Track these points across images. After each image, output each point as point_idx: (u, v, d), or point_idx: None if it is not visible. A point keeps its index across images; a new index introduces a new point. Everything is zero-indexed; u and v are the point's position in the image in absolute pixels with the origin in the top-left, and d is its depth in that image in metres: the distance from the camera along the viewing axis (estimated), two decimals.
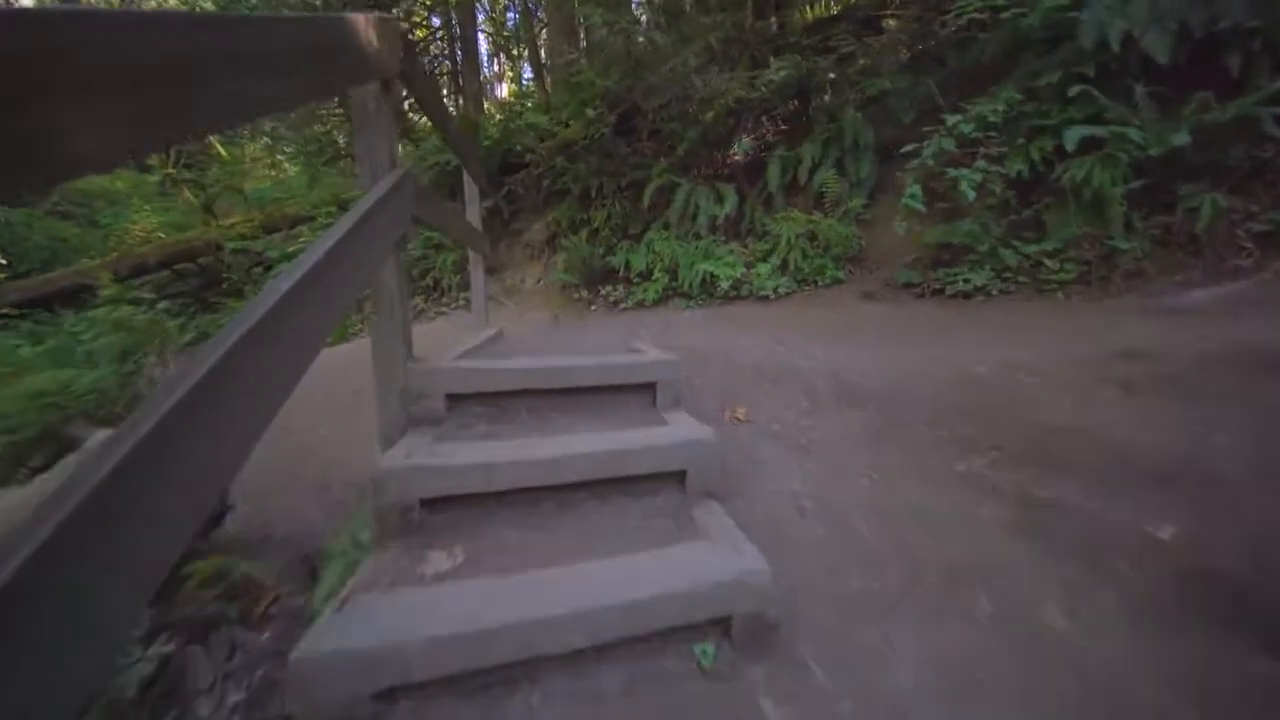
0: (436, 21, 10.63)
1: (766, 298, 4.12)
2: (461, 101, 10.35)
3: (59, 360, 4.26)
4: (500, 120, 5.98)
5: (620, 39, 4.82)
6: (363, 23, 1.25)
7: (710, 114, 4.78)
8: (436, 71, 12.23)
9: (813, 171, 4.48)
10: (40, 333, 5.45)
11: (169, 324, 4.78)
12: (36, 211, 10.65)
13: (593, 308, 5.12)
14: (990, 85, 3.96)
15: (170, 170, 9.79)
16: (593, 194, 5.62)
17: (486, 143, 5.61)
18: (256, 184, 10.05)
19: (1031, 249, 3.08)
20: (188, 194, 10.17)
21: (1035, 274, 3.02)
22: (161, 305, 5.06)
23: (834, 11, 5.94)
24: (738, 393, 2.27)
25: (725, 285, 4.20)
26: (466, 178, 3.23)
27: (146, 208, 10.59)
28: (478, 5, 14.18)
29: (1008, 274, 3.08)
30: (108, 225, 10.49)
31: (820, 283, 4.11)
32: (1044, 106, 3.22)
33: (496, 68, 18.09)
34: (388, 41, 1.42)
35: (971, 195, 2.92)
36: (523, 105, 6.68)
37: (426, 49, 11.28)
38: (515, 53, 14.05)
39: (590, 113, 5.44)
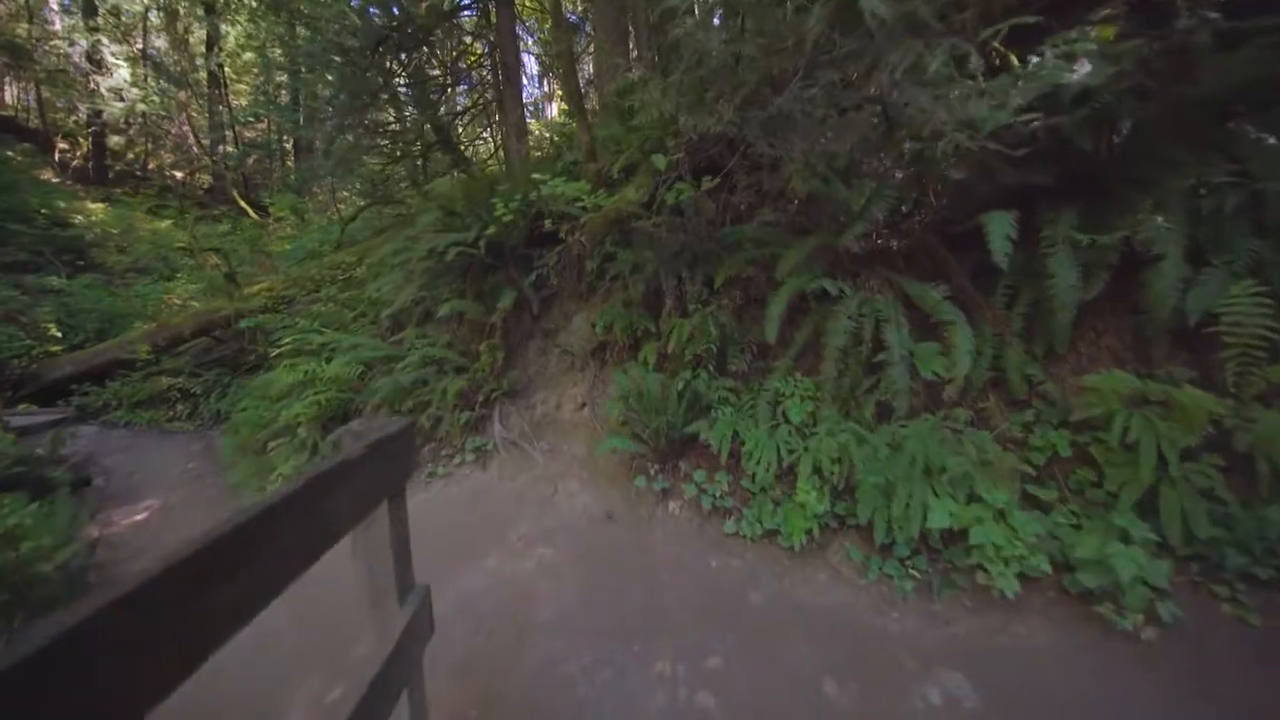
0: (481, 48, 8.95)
1: (1125, 632, 1.55)
2: (504, 132, 8.47)
3: None
4: (520, 180, 3.73)
5: (718, 38, 2.41)
6: None
7: (912, 155, 2.26)
8: (481, 100, 10.65)
9: (1188, 284, 1.86)
10: None
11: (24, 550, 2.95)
12: (97, 279, 10.12)
13: (671, 507, 2.76)
14: None
15: (186, 241, 8.65)
16: (664, 293, 3.27)
17: (491, 230, 3.38)
18: (282, 245, 8.72)
19: None
20: (214, 259, 9.10)
21: None
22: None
23: None
24: None
25: (997, 571, 1.69)
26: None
27: (180, 275, 9.69)
28: (524, 26, 12.33)
29: None
30: (144, 294, 9.63)
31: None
32: None
33: (546, 88, 16.37)
34: None
35: None
36: (555, 150, 4.48)
37: (471, 73, 9.63)
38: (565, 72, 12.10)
39: (660, 162, 3.09)
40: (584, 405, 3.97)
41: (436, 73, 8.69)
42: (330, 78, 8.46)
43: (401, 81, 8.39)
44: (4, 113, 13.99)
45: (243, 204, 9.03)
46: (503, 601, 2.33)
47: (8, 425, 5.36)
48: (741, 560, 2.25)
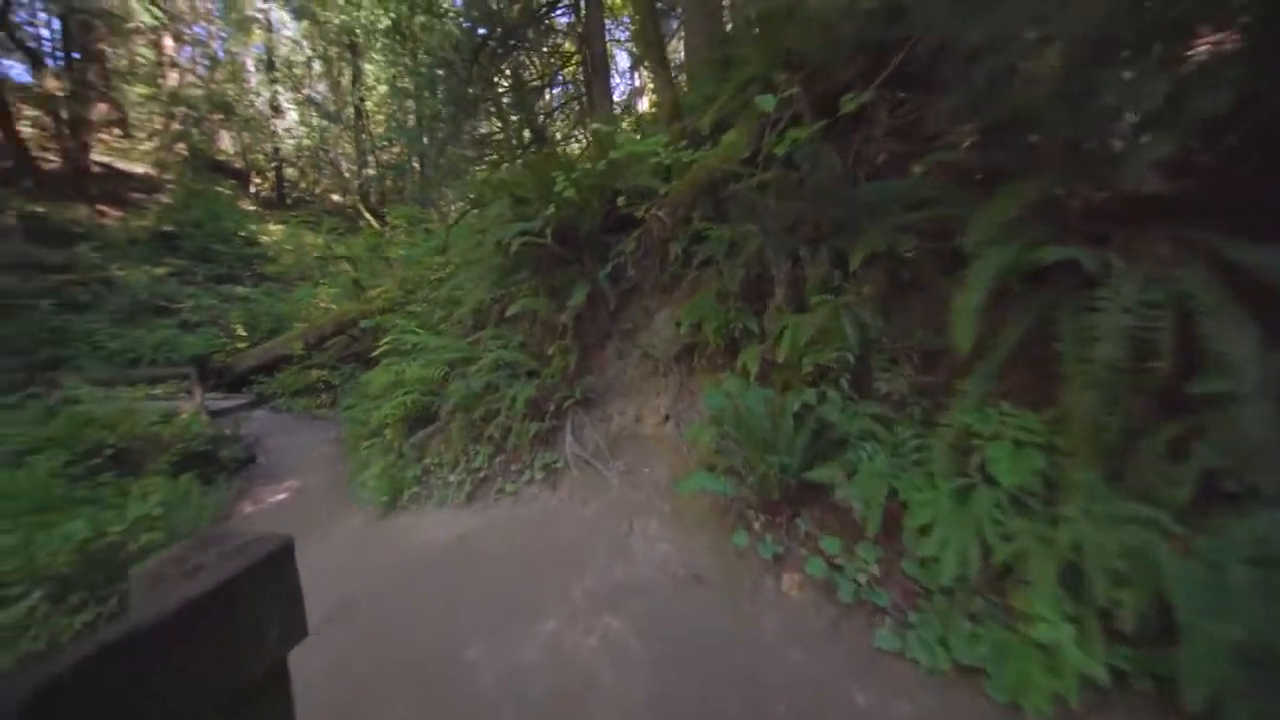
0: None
1: None
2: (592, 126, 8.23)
3: None
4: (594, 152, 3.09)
5: None
6: None
7: None
8: (575, 98, 10.64)
9: None
10: None
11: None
12: (273, 287, 12.02)
13: (785, 583, 1.92)
14: None
15: (322, 251, 9.70)
16: (774, 280, 2.40)
17: (551, 211, 2.79)
18: (396, 250, 9.49)
19: None
20: (345, 266, 10.26)
21: None
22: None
23: None
24: None
25: None
26: None
27: (323, 280, 10.99)
28: (614, 19, 11.91)
29: None
30: (300, 299, 11.09)
31: None
32: None
33: (637, 81, 15.97)
34: None
35: None
36: (636, 120, 3.79)
37: (563, 71, 9.60)
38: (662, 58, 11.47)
39: (767, 103, 2.21)
40: (667, 418, 3.25)
41: (532, 77, 8.74)
42: (439, 93, 8.96)
43: (502, 87, 8.61)
44: (220, 157, 17.39)
45: (367, 216, 9.97)
46: (555, 693, 1.72)
47: (208, 409, 6.34)
48: (912, 706, 1.36)
